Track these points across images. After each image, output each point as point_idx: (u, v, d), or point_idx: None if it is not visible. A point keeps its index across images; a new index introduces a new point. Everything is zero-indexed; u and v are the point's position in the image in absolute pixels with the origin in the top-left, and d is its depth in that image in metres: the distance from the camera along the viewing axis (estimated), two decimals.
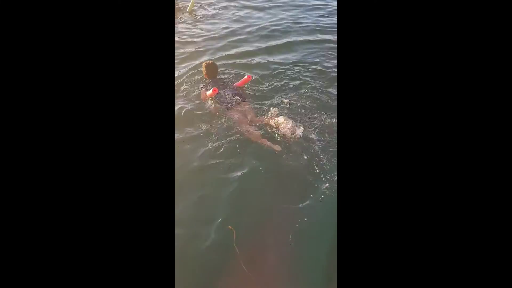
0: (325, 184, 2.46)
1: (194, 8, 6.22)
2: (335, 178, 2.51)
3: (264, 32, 5.44)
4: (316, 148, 2.81)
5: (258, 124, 3.08)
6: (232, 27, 5.59)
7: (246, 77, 3.58)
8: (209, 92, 3.16)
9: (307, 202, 2.34)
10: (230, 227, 2.07)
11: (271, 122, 3.03)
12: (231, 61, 4.43)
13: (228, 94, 3.32)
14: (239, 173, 2.56)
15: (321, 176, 2.54)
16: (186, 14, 6.07)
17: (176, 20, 5.73)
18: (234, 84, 3.58)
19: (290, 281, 1.91)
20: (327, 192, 2.41)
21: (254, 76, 3.87)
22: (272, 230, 2.15)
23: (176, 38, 5.01)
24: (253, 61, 4.46)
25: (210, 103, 3.34)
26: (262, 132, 2.99)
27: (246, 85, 3.68)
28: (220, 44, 4.97)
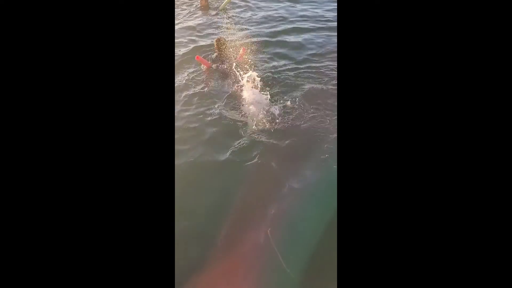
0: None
1: (227, 7, 6.36)
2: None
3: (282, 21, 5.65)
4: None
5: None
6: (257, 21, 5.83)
7: (241, 50, 4.07)
8: (204, 64, 4.01)
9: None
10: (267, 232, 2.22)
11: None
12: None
13: (228, 67, 3.95)
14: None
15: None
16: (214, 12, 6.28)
17: (208, 15, 6.08)
18: (236, 58, 4.06)
19: None
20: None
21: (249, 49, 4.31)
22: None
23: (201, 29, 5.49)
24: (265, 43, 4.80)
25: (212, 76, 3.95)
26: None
27: (246, 57, 4.09)
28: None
